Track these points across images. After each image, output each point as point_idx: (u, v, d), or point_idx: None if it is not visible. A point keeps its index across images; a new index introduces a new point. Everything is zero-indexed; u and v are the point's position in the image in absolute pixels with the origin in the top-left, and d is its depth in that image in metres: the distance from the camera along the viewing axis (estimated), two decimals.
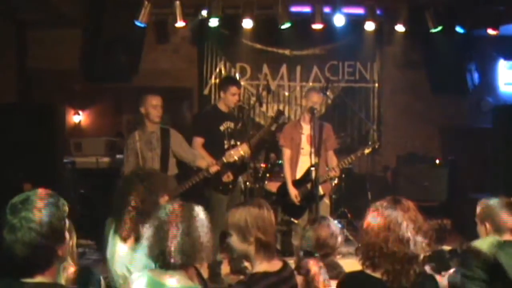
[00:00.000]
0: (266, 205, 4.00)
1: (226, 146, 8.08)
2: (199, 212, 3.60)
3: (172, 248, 3.41)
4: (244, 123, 8.61)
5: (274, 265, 3.91)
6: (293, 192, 8.20)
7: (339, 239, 4.87)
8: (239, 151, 7.53)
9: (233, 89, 8.18)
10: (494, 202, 4.61)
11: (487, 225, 4.56)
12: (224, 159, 7.48)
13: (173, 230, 3.44)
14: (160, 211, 3.59)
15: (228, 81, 8.60)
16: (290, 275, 3.99)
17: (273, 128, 9.50)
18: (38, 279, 2.85)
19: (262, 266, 3.87)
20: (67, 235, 3.02)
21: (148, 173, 4.78)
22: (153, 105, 7.51)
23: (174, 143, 7.69)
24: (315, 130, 7.80)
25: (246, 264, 7.90)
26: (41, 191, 2.93)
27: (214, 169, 7.55)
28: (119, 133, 11.71)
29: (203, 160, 7.69)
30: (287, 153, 8.33)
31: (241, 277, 8.12)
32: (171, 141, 7.67)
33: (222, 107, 8.26)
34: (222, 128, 8.15)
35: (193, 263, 3.52)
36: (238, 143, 8.05)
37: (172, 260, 3.42)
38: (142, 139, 7.56)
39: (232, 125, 8.22)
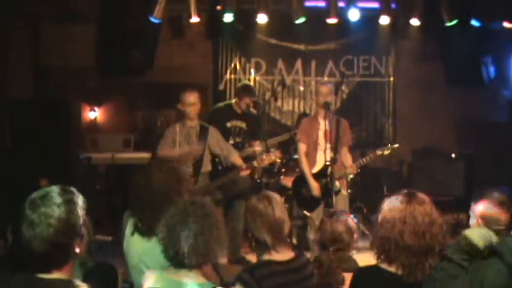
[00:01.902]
0: (267, 198, 4.05)
1: (231, 142, 8.49)
2: (212, 209, 3.59)
3: (186, 250, 3.41)
4: (259, 118, 8.71)
5: (282, 255, 3.95)
6: (314, 184, 8.10)
7: (355, 235, 4.87)
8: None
9: (247, 99, 8.63)
10: (487, 197, 4.63)
11: (480, 220, 4.57)
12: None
13: (185, 231, 3.43)
14: (172, 211, 3.57)
15: (244, 91, 8.76)
16: (300, 267, 4.02)
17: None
18: (55, 275, 2.86)
19: (266, 255, 3.93)
20: (85, 232, 3.03)
21: (171, 166, 4.77)
22: (188, 103, 7.71)
23: (211, 140, 7.86)
24: (331, 125, 7.85)
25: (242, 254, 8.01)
26: (60, 187, 2.94)
27: (244, 172, 7.74)
28: (135, 128, 11.75)
29: (238, 157, 7.96)
30: (302, 147, 8.29)
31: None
32: (208, 138, 7.83)
33: (235, 106, 8.62)
34: (229, 125, 8.55)
35: (207, 262, 3.53)
36: (245, 143, 8.66)
37: (186, 261, 3.42)
38: (182, 132, 7.79)
39: (243, 124, 8.66)
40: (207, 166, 7.84)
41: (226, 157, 7.92)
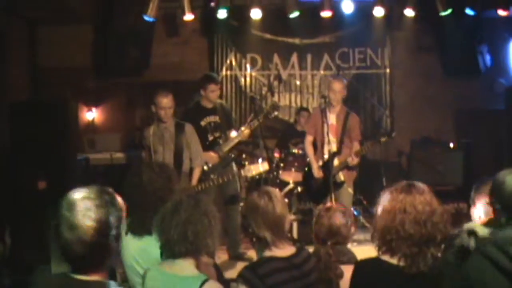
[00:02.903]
0: (269, 194, 4.01)
1: (210, 138, 8.31)
2: (205, 202, 3.69)
3: (175, 237, 3.51)
4: (256, 114, 8.65)
5: (281, 252, 3.92)
6: (316, 169, 8.25)
7: (352, 229, 4.87)
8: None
9: (211, 86, 8.37)
10: (486, 186, 4.60)
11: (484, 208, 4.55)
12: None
13: (176, 219, 3.54)
14: (167, 203, 3.70)
15: (205, 79, 8.60)
16: (302, 262, 3.99)
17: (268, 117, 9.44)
18: (93, 276, 2.84)
19: (267, 252, 3.90)
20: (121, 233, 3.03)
21: (161, 165, 4.81)
22: (161, 107, 7.50)
23: (189, 140, 7.73)
24: (339, 117, 7.95)
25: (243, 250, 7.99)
26: (98, 188, 2.91)
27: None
28: (138, 128, 11.73)
29: (198, 172, 7.83)
30: (308, 138, 8.46)
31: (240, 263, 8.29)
32: (185, 136, 7.69)
33: (204, 103, 8.44)
34: (203, 123, 8.33)
35: (197, 252, 3.58)
36: (223, 135, 8.41)
37: (176, 248, 3.52)
38: (156, 134, 7.64)
39: (216, 118, 8.43)
40: (187, 165, 7.73)
41: (194, 158, 7.80)
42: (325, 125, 8.14)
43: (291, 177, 9.45)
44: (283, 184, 9.55)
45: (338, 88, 8.14)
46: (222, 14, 10.47)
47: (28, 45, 11.69)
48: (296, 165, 9.40)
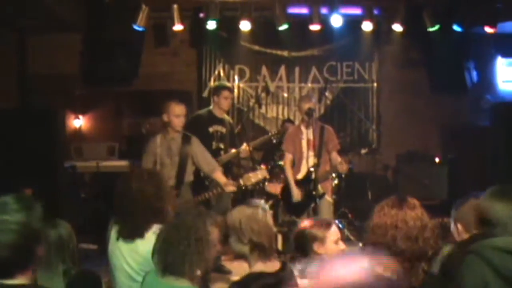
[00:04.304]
0: (262, 206, 4.03)
1: (213, 147, 8.41)
2: (189, 223, 3.67)
3: (157, 261, 3.60)
4: (243, 125, 8.70)
5: (272, 265, 3.92)
6: (295, 191, 8.25)
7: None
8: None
9: (226, 93, 8.55)
10: (466, 204, 4.64)
11: (459, 226, 4.59)
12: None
13: (158, 244, 3.61)
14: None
15: (219, 86, 8.74)
16: (288, 277, 3.99)
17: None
18: (18, 280, 2.86)
19: (258, 266, 3.89)
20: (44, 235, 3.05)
21: (151, 173, 4.83)
22: (176, 115, 7.50)
23: (195, 151, 7.65)
24: (315, 133, 7.94)
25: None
26: (16, 195, 2.96)
27: (230, 189, 7.55)
28: (125, 136, 11.74)
29: (221, 174, 7.67)
30: (288, 157, 8.50)
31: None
32: (192, 149, 7.64)
33: (216, 111, 8.57)
34: (211, 130, 8.50)
35: (181, 274, 3.59)
36: (229, 148, 8.58)
37: (161, 270, 3.58)
38: (163, 145, 7.60)
39: (223, 130, 8.58)
40: (189, 176, 7.69)
41: (209, 173, 7.70)
42: (303, 141, 8.27)
43: (277, 189, 9.45)
44: (269, 196, 9.56)
45: (312, 106, 8.23)
46: (211, 25, 10.48)
47: (17, 52, 11.66)
48: (282, 177, 9.41)
